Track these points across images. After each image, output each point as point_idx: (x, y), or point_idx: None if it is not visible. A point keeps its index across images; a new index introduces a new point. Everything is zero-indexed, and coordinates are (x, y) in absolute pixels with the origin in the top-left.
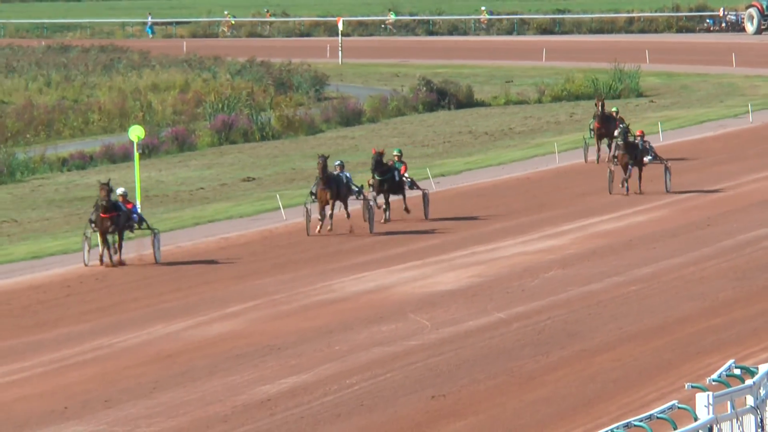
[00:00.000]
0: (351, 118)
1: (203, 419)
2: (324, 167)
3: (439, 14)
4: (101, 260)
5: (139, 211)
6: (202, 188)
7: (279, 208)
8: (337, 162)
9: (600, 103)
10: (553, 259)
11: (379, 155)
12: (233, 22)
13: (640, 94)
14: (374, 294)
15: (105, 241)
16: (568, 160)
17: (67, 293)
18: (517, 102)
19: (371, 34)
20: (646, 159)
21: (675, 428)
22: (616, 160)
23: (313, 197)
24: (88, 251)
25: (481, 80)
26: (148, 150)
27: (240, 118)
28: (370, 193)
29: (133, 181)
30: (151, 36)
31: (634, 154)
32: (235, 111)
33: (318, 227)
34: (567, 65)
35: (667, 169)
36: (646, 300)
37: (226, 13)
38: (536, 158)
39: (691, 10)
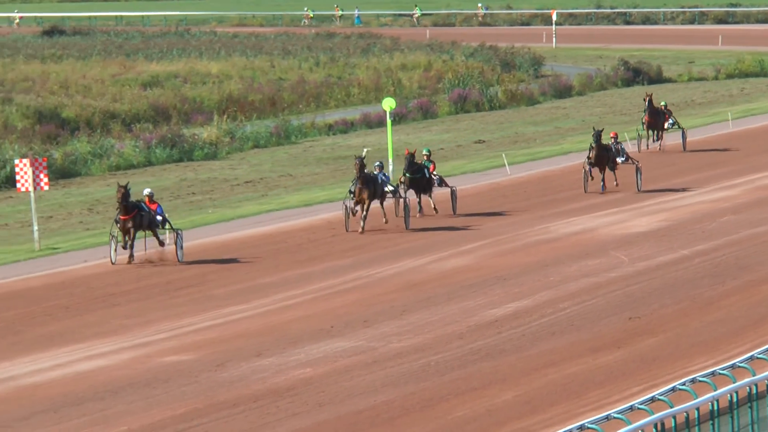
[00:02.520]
0: (563, 91)
1: (443, 336)
2: (361, 167)
3: (634, 7)
4: (129, 257)
5: (163, 211)
6: (442, 149)
7: (504, 165)
8: (377, 163)
9: (648, 99)
10: (727, 206)
11: (411, 156)
12: (312, 15)
13: None
14: (581, 235)
15: (130, 239)
16: (740, 126)
17: (332, 234)
18: (698, 79)
19: (579, 24)
20: (618, 160)
21: None
22: (590, 160)
23: (352, 195)
24: (115, 249)
25: (668, 61)
26: (398, 118)
27: (472, 91)
28: (403, 191)
29: (386, 143)
30: (357, 25)
31: (607, 155)
32: (468, 86)
33: (348, 226)
34: (738, 49)
35: (638, 169)
36: None
37: (306, 8)
38: (713, 125)
39: None
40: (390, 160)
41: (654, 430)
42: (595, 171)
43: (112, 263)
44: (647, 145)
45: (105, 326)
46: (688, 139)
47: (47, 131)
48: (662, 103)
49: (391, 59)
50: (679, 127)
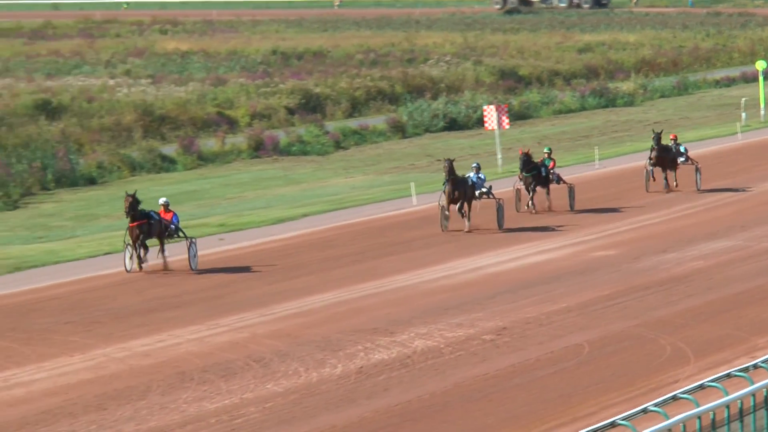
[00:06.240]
0: None
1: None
2: (450, 169)
3: None
4: (139, 266)
5: (178, 220)
6: None
7: None
8: (474, 164)
9: None
10: None
11: (526, 155)
12: None
13: None
14: None
15: (138, 248)
16: None
17: (718, 161)
18: None
19: None
20: (678, 161)
21: None
22: (651, 161)
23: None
24: (130, 257)
25: None
26: None
27: None
28: (521, 185)
29: (758, 94)
30: (690, 7)
31: (667, 155)
32: None
33: (443, 226)
34: None
35: (697, 169)
36: None
37: None
38: None
39: None
40: (762, 106)
41: None
42: (657, 171)
43: (127, 271)
44: None
45: (548, 230)
46: None
47: (507, 85)
48: None
49: (762, 31)
50: None
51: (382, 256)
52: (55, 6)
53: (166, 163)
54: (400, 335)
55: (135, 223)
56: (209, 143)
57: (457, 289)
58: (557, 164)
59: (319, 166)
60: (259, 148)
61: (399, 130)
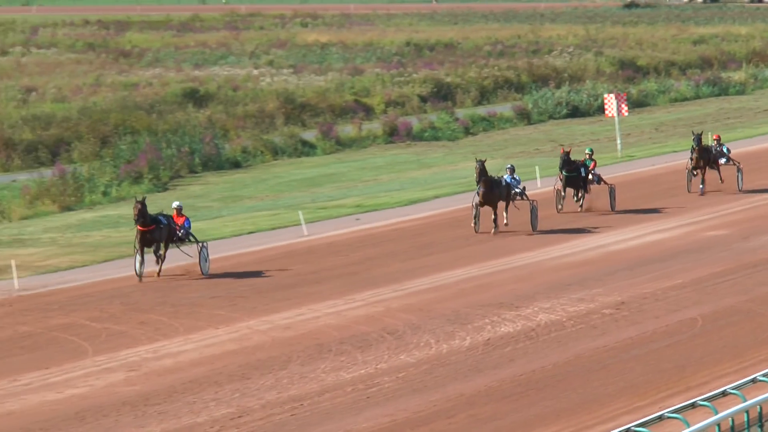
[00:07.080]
0: None
1: None
2: (481, 171)
3: None
4: (138, 274)
5: (190, 225)
6: None
7: None
8: (509, 165)
9: None
10: None
11: (566, 155)
12: None
13: None
14: None
15: (155, 254)
16: None
17: None
18: None
19: None
20: (720, 161)
21: None
22: (692, 162)
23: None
24: (141, 263)
25: None
26: None
27: None
28: (560, 183)
29: None
30: None
31: (708, 156)
32: None
33: (476, 226)
34: None
35: (739, 170)
36: None
37: None
38: None
39: None
40: None
41: None
42: (698, 171)
43: (137, 275)
44: None
45: (665, 212)
46: None
47: (627, 75)
48: None
49: None
50: None
51: (507, 235)
52: (203, 0)
53: (306, 148)
54: (525, 309)
55: (144, 229)
56: (347, 129)
57: (579, 266)
58: (597, 165)
59: (450, 151)
60: (393, 134)
61: (524, 116)
